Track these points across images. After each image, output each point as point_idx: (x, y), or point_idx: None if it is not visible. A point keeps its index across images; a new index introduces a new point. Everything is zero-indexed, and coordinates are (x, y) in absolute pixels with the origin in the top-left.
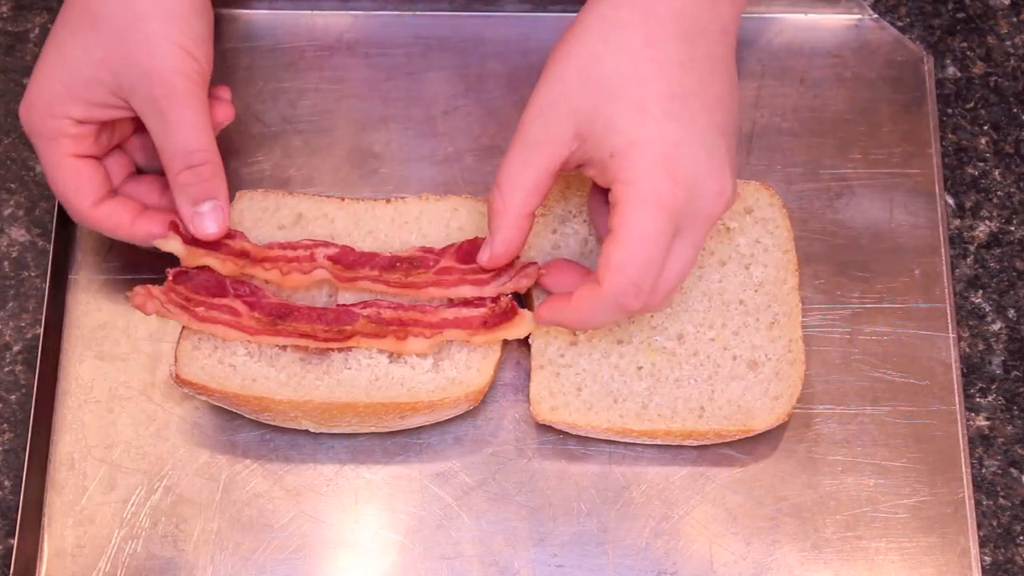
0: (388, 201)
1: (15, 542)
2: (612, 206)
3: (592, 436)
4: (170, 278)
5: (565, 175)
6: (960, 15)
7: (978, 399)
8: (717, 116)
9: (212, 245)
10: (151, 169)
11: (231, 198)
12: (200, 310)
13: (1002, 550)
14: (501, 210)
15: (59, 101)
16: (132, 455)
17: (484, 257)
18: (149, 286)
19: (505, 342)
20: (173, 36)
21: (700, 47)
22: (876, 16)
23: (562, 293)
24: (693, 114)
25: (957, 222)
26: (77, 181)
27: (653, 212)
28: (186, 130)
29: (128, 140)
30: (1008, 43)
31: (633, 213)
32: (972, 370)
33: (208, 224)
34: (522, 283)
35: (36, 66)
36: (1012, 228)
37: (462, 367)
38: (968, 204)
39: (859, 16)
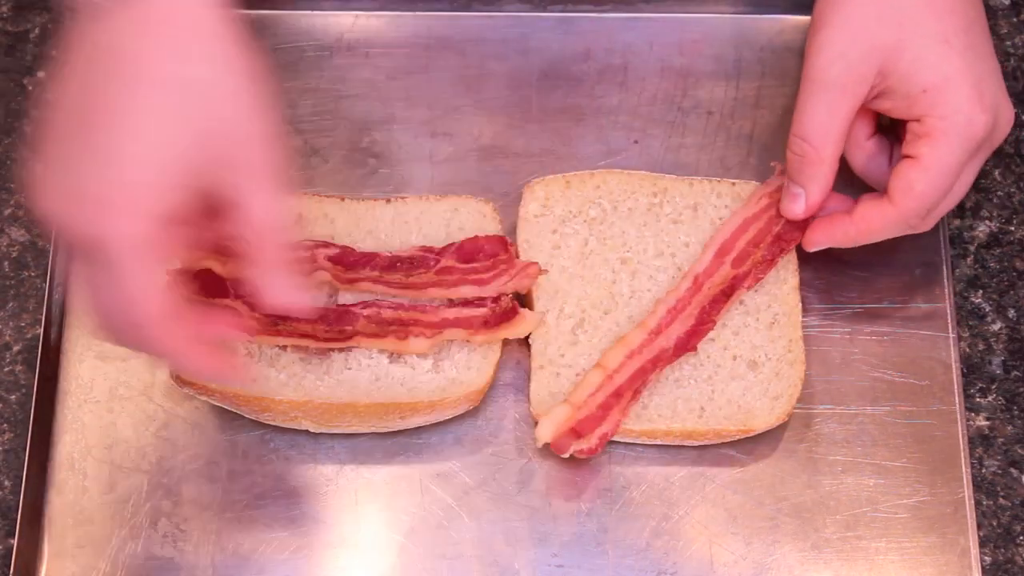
0: (388, 201)
1: (15, 542)
2: (918, 136)
3: None
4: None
5: (566, 175)
6: None
7: (978, 399)
8: (990, 43)
9: (212, 247)
10: None
11: None
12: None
13: (1002, 550)
14: (816, 159)
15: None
16: (132, 455)
17: (798, 209)
18: None
19: (505, 342)
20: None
21: None
22: None
23: (833, 213)
24: (982, 43)
25: (957, 222)
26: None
27: (963, 143)
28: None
29: None
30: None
31: (947, 145)
32: (972, 370)
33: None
34: (523, 283)
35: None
36: (1012, 228)
37: (462, 367)
38: (968, 204)
39: None
